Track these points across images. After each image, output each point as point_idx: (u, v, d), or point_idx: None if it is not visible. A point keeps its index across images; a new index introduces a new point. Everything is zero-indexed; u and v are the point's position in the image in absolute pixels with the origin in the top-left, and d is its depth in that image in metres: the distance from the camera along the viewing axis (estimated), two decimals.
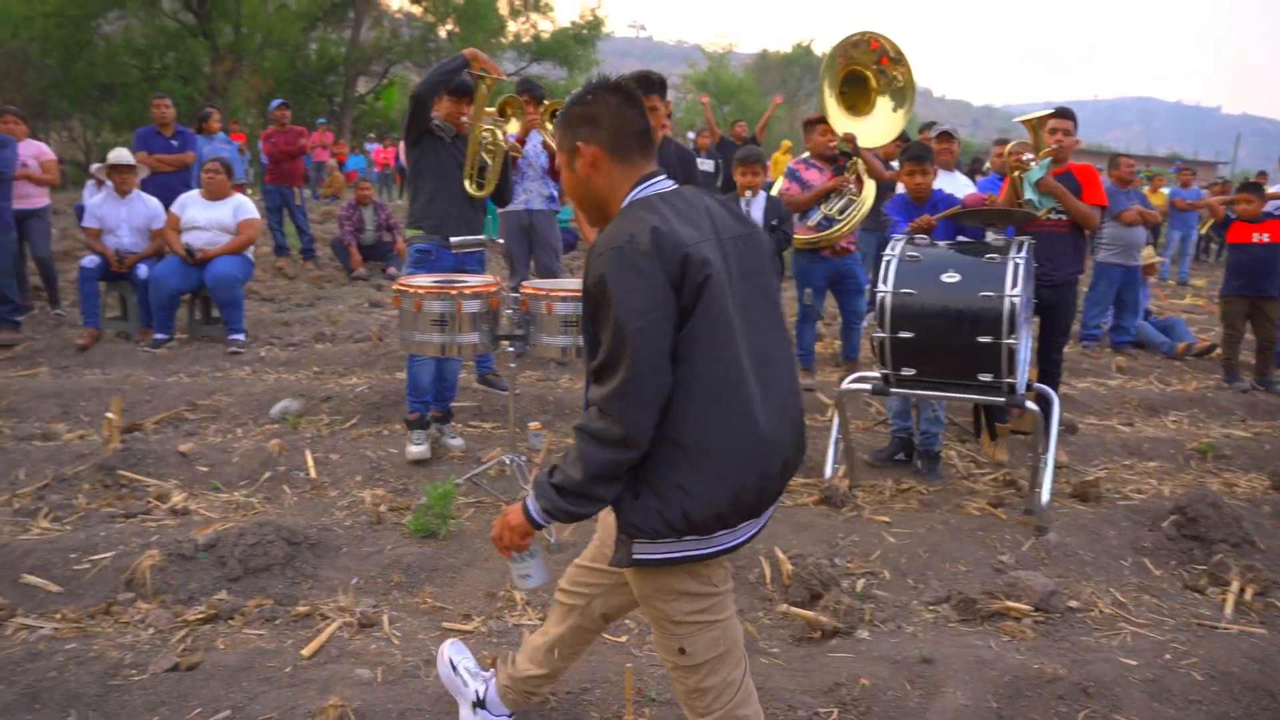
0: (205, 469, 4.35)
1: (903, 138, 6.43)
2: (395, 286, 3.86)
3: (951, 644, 3.04)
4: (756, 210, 5.26)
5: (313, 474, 4.37)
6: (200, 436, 4.86)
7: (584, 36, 30.95)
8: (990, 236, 4.04)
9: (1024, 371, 3.90)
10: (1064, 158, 4.75)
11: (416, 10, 29.43)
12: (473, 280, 3.98)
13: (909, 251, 3.92)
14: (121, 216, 6.78)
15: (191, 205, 6.75)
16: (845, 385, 4.27)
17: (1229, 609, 3.38)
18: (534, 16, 30.83)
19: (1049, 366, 4.90)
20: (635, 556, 1.84)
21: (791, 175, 5.90)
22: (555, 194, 6.06)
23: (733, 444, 1.80)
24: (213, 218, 6.69)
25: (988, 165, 10.80)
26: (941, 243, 4.08)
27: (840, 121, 5.74)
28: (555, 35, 30.77)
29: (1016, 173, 4.52)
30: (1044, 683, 2.75)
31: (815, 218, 5.72)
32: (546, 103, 5.74)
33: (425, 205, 4.61)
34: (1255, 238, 6.64)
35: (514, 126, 5.20)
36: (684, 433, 1.77)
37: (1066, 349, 5.30)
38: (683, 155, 4.75)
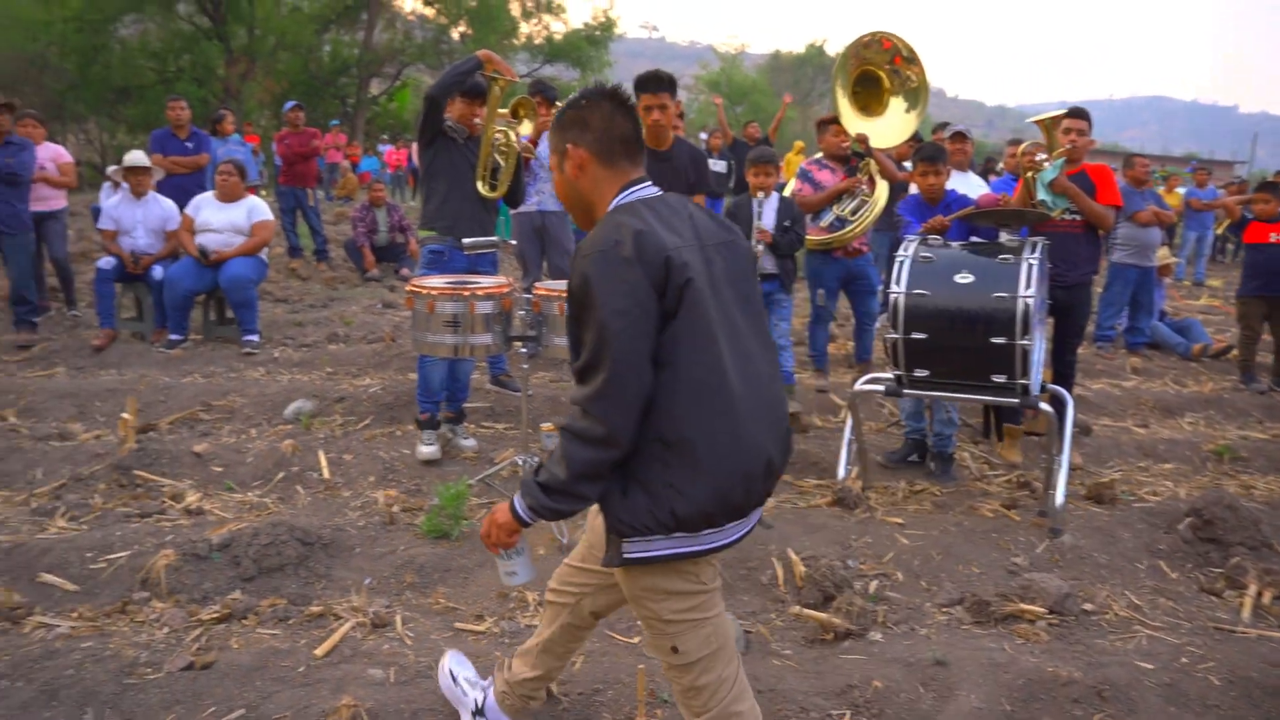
0: (219, 469, 4.38)
1: (916, 138, 6.41)
2: (408, 288, 3.87)
3: (965, 646, 3.03)
4: (769, 211, 5.25)
5: (326, 474, 4.39)
6: (214, 437, 4.89)
7: (596, 38, 30.96)
8: (1004, 237, 4.02)
9: (1038, 373, 3.88)
10: (1078, 158, 4.72)
11: (429, 12, 29.53)
12: (485, 281, 3.98)
13: (922, 252, 3.91)
14: (137, 218, 6.83)
15: (205, 207, 6.79)
16: (858, 386, 4.25)
17: (1247, 613, 3.35)
18: (546, 18, 30.91)
19: (1063, 368, 4.88)
20: (626, 555, 1.87)
21: (804, 176, 5.89)
22: None
23: (717, 444, 1.82)
24: (227, 220, 6.72)
25: (1001, 165, 10.76)
26: (955, 243, 4.07)
27: (853, 122, 5.72)
28: (567, 37, 30.81)
29: (1030, 173, 4.50)
30: (1058, 686, 2.74)
31: (828, 219, 5.71)
32: (559, 104, 5.75)
33: (438, 206, 4.62)
34: (1273, 238, 6.59)
35: (526, 128, 5.20)
36: (671, 432, 1.81)
37: (1081, 350, 5.27)
38: (695, 156, 4.75)
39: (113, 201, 7.04)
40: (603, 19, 31.14)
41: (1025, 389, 3.75)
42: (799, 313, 7.22)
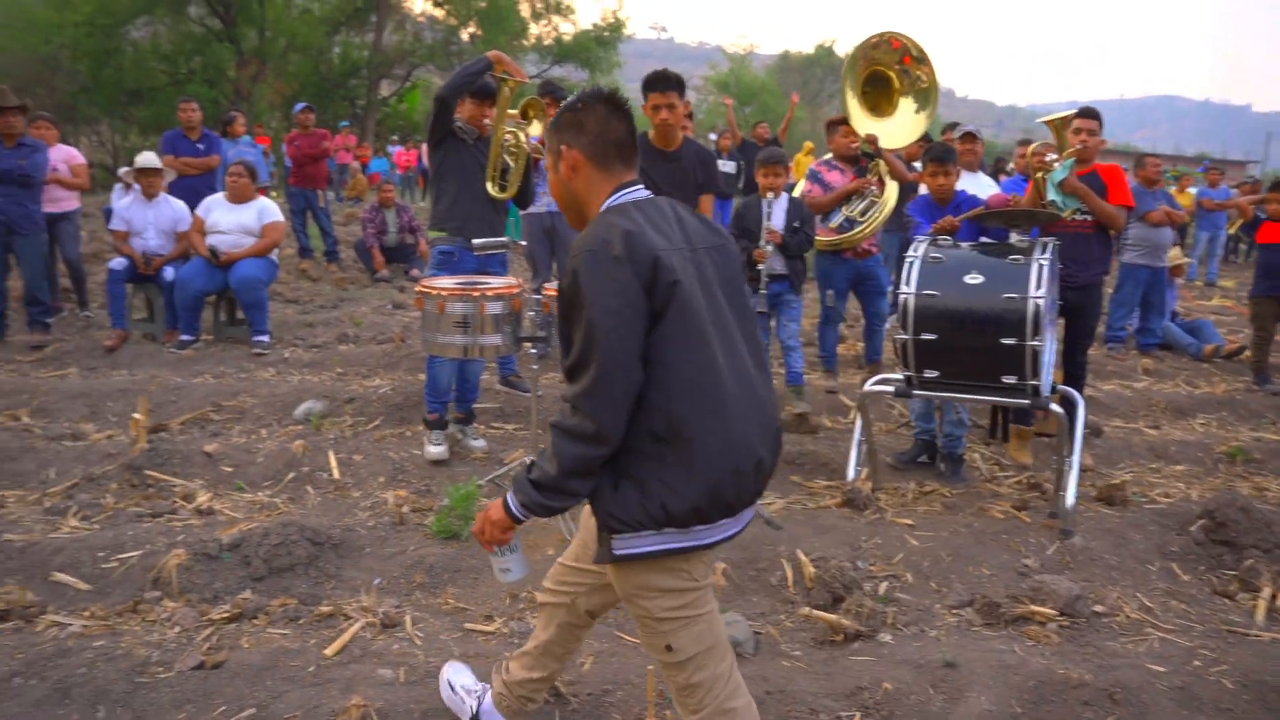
0: (230, 469, 4.39)
1: (925, 139, 6.39)
2: (418, 288, 3.87)
3: (975, 648, 3.02)
4: (779, 211, 5.24)
5: (336, 475, 4.40)
6: (225, 437, 4.91)
7: (605, 39, 30.95)
8: (1014, 238, 4.00)
9: (1048, 374, 3.87)
10: (1089, 158, 4.71)
11: (439, 13, 29.56)
12: (495, 282, 3.99)
13: (932, 253, 3.90)
14: (148, 219, 6.87)
15: (216, 208, 6.82)
16: (868, 387, 4.25)
17: (1260, 615, 3.33)
18: (555, 19, 30.91)
19: (1074, 369, 4.86)
20: (616, 552, 1.89)
21: (813, 177, 5.88)
22: None
23: (709, 442, 1.85)
24: (237, 221, 6.75)
25: (1011, 166, 10.72)
26: (965, 244, 4.05)
27: (862, 123, 5.71)
28: (577, 37, 30.81)
29: (1040, 174, 4.48)
30: (1069, 688, 2.73)
31: (837, 219, 5.70)
32: None
33: (448, 207, 4.63)
34: None
35: (536, 128, 5.21)
36: (664, 429, 1.84)
37: (1092, 351, 5.25)
38: (703, 156, 4.75)
39: (124, 203, 7.08)
40: (612, 20, 31.11)
41: (1036, 390, 3.73)
42: (808, 313, 7.22)
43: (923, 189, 5.01)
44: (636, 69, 5.09)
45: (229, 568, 3.36)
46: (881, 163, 5.76)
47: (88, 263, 8.55)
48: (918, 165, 5.92)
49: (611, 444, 1.82)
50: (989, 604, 3.29)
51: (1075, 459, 3.95)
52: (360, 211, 12.55)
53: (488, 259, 4.59)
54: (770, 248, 5.15)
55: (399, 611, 3.19)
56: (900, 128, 5.76)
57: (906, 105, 5.72)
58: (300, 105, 10.93)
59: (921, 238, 4.05)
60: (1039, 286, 3.65)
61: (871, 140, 5.67)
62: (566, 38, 30.85)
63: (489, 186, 4.61)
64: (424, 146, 5.71)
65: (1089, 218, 4.67)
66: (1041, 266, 3.70)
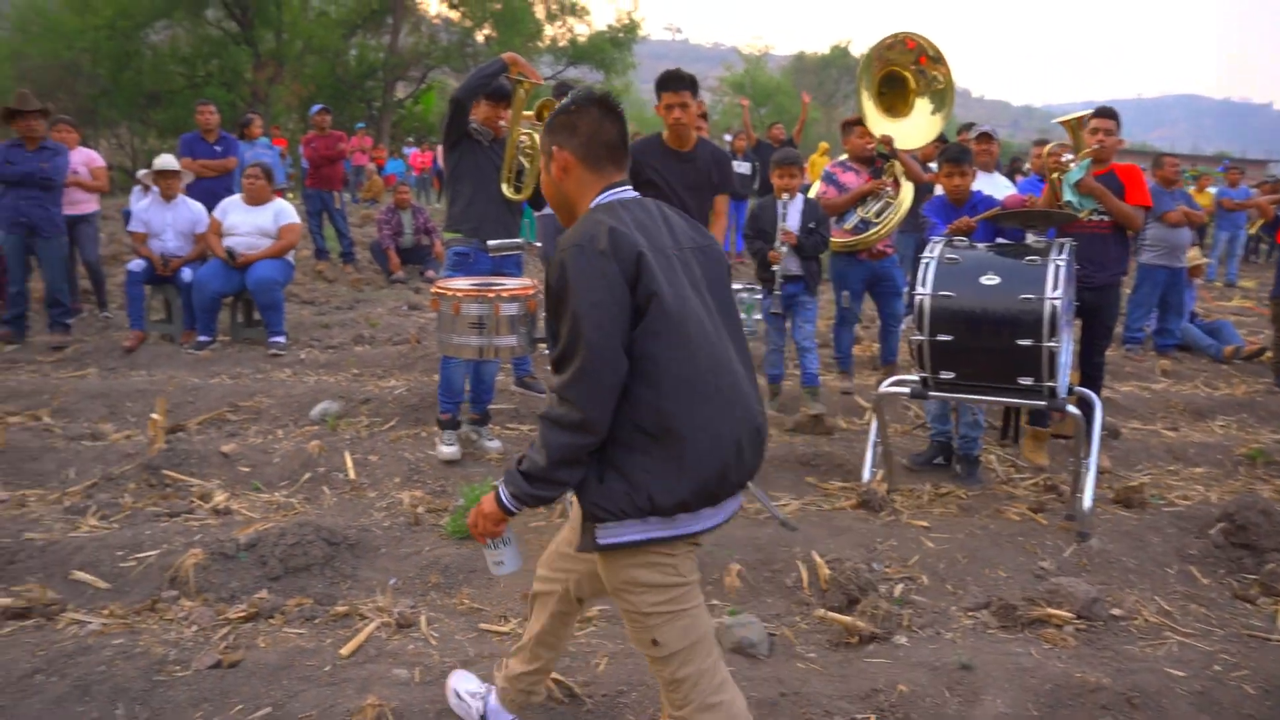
0: (247, 469, 4.42)
1: (941, 139, 6.37)
2: (433, 289, 3.88)
3: (991, 651, 3.00)
4: (794, 212, 5.23)
5: (352, 475, 4.42)
6: (242, 437, 4.94)
7: (620, 40, 30.97)
8: (1030, 238, 3.98)
9: (1065, 375, 3.84)
10: (1106, 158, 4.67)
11: (454, 15, 29.67)
12: (510, 283, 3.99)
13: (948, 254, 3.88)
14: (166, 221, 6.92)
15: (233, 210, 6.86)
16: (883, 388, 4.23)
17: None
18: (570, 20, 30.96)
19: (1091, 370, 4.82)
20: (600, 541, 1.93)
21: (828, 179, 5.87)
22: None
23: (694, 435, 1.89)
24: (253, 223, 6.79)
25: (1027, 166, 10.66)
26: (981, 245, 4.03)
27: (878, 124, 5.69)
28: (592, 39, 30.84)
29: (1055, 174, 4.45)
30: (1086, 692, 2.71)
31: (852, 220, 5.68)
32: None
33: (463, 209, 4.64)
34: None
35: None
36: (650, 422, 1.88)
37: (1109, 352, 5.21)
38: (718, 156, 4.74)
39: (143, 205, 7.15)
40: (626, 21, 31.15)
41: (1052, 391, 3.71)
42: (824, 315, 7.20)
43: (938, 190, 4.99)
44: (651, 70, 5.09)
45: (245, 567, 3.38)
46: (897, 164, 5.74)
47: (107, 264, 8.63)
48: (933, 166, 5.91)
49: (598, 433, 1.86)
50: (1005, 606, 3.27)
51: (1092, 461, 3.92)
52: (376, 213, 12.60)
53: (503, 260, 4.60)
54: (785, 249, 5.14)
55: (414, 612, 3.20)
56: (916, 128, 5.74)
57: (922, 106, 5.70)
58: (316, 107, 10.99)
59: (937, 239, 4.04)
60: (1056, 287, 3.63)
61: (887, 141, 5.65)
62: (581, 39, 30.90)
63: (504, 188, 4.62)
64: (439, 148, 5.73)
65: (1106, 218, 4.63)
66: (1058, 267, 3.68)
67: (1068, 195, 4.45)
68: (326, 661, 2.85)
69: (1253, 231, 13.71)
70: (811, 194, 5.76)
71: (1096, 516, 3.99)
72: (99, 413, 5.27)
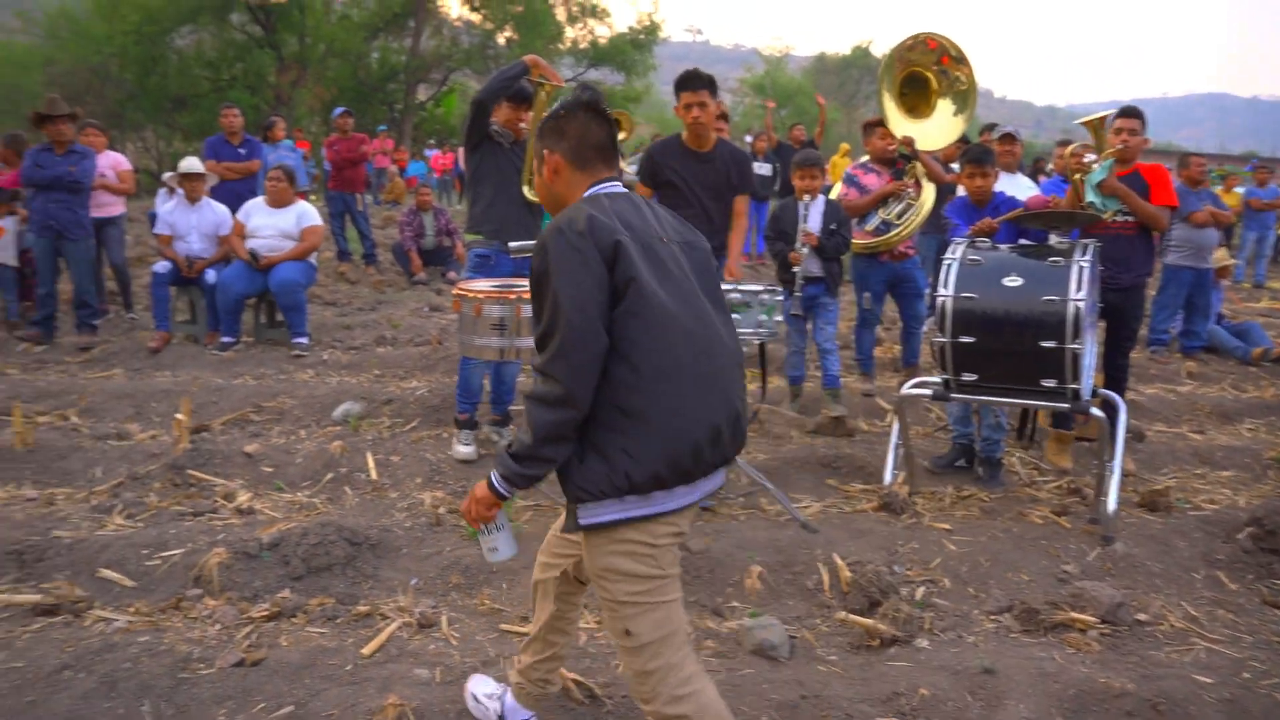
0: (270, 469, 4.46)
1: (963, 140, 6.33)
2: (455, 291, 3.91)
3: (1013, 655, 2.98)
4: (815, 214, 5.22)
5: (374, 475, 4.45)
6: (265, 438, 4.98)
7: (641, 42, 31.00)
8: (1054, 239, 3.95)
9: (1089, 377, 3.80)
10: (1130, 158, 4.62)
11: (475, 18, 29.81)
12: None
13: (970, 255, 3.86)
14: (191, 223, 6.99)
15: (256, 213, 6.92)
16: (905, 390, 4.21)
17: None
18: (591, 22, 31.03)
19: (1115, 372, 4.78)
20: (582, 521, 1.99)
21: (850, 180, 5.85)
22: None
23: (668, 414, 1.95)
24: (276, 225, 6.85)
25: (1050, 167, 10.57)
26: (1003, 246, 4.01)
27: (899, 124, 5.67)
28: (612, 41, 30.89)
29: (1077, 175, 4.41)
30: (1111, 698, 2.68)
31: (874, 222, 5.66)
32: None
33: (484, 210, 4.66)
34: None
35: None
36: (627, 403, 1.94)
37: (1134, 354, 5.16)
38: (737, 157, 4.73)
39: (168, 207, 7.23)
40: (647, 23, 31.18)
41: (1076, 394, 3.68)
42: (845, 316, 7.17)
43: (960, 191, 4.96)
44: (672, 71, 5.09)
45: (268, 567, 3.41)
46: (918, 165, 5.71)
47: (133, 266, 8.73)
48: (955, 167, 5.87)
49: (579, 408, 1.92)
50: (1028, 610, 3.24)
51: (1117, 464, 3.88)
52: (398, 215, 12.68)
53: (524, 262, 4.61)
54: (806, 250, 5.13)
55: (435, 612, 3.22)
56: (938, 129, 5.71)
57: (944, 106, 5.66)
58: (339, 110, 11.07)
59: (959, 240, 4.01)
60: (1079, 289, 3.60)
61: (908, 142, 5.63)
62: (602, 41, 30.95)
63: (525, 190, 4.64)
64: (461, 150, 5.76)
65: (1130, 219, 4.59)
66: (1082, 268, 3.64)
67: (1090, 196, 4.41)
68: (348, 661, 2.87)
69: None
70: (833, 195, 5.75)
71: (1121, 520, 3.96)
72: (125, 413, 5.33)
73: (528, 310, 3.78)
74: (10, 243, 7.15)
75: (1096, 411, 3.72)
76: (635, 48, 30.88)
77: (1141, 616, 3.25)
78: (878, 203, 5.66)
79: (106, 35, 23.44)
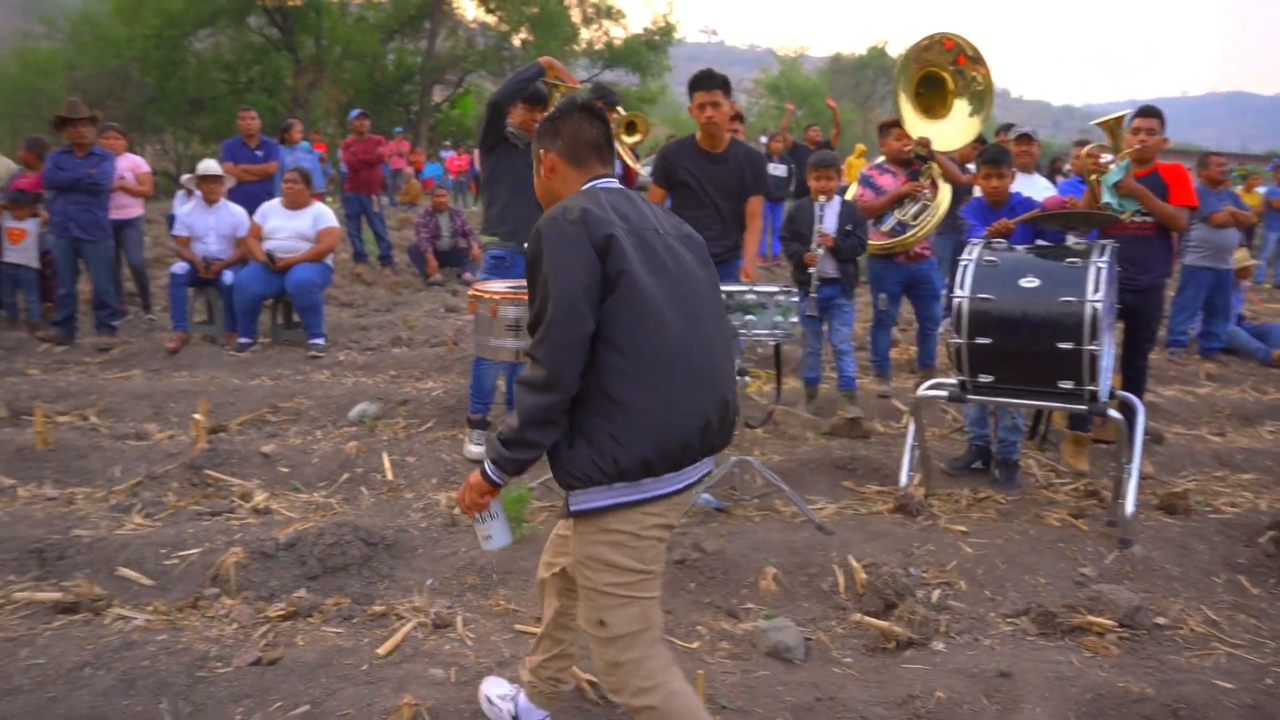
0: (286, 470, 4.48)
1: (979, 140, 6.30)
2: (470, 292, 3.92)
3: (1030, 658, 2.96)
4: (831, 215, 5.20)
5: (389, 476, 4.46)
6: (281, 438, 5.01)
7: (656, 43, 31.00)
8: (1071, 240, 3.92)
9: (1106, 379, 3.78)
10: (1149, 158, 4.58)
11: (491, 20, 29.89)
12: None
13: (986, 256, 3.84)
14: (209, 225, 7.04)
15: (273, 215, 6.96)
16: (921, 392, 4.19)
17: None
18: (606, 24, 31.04)
19: (1133, 373, 4.74)
20: (573, 507, 2.04)
21: (865, 181, 5.83)
22: None
23: (660, 402, 1.99)
24: (293, 227, 6.89)
25: (1068, 167, 10.49)
26: (1020, 247, 3.98)
27: (916, 125, 5.64)
28: (627, 42, 30.90)
29: (1094, 176, 4.38)
30: (1129, 702, 2.66)
31: (890, 223, 5.64)
32: (621, 112, 5.77)
33: (500, 212, 4.67)
34: None
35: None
36: (616, 390, 1.98)
37: (1152, 356, 5.11)
38: (752, 158, 4.73)
39: (186, 209, 7.28)
40: (662, 24, 31.18)
41: (1094, 395, 3.65)
42: (861, 318, 7.15)
43: (977, 191, 4.94)
44: (687, 72, 5.09)
45: (285, 566, 3.43)
46: (934, 165, 5.69)
47: (151, 267, 8.80)
48: (971, 167, 5.84)
49: (564, 390, 1.96)
50: (1045, 613, 3.22)
51: (1135, 466, 3.85)
52: (414, 216, 12.74)
53: None
54: (822, 251, 5.11)
55: (451, 612, 3.22)
56: (954, 130, 5.68)
57: (961, 107, 5.64)
58: (355, 112, 11.12)
59: (976, 240, 3.99)
60: (1097, 290, 3.57)
61: (924, 143, 5.60)
62: (617, 42, 30.96)
63: None
64: (476, 152, 5.78)
65: (1149, 219, 4.55)
66: (1099, 269, 3.62)
67: (1107, 197, 4.38)
68: (364, 660, 2.89)
69: None
70: (849, 196, 5.73)
71: (1139, 523, 3.92)
72: (144, 413, 5.38)
73: None
74: (32, 244, 7.22)
75: (1114, 413, 3.70)
76: (650, 49, 30.89)
77: (1161, 620, 3.23)
78: (893, 204, 5.64)
79: (127, 39, 23.68)
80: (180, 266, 6.93)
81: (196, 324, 7.18)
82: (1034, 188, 5.91)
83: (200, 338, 7.09)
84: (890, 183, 5.73)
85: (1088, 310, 3.55)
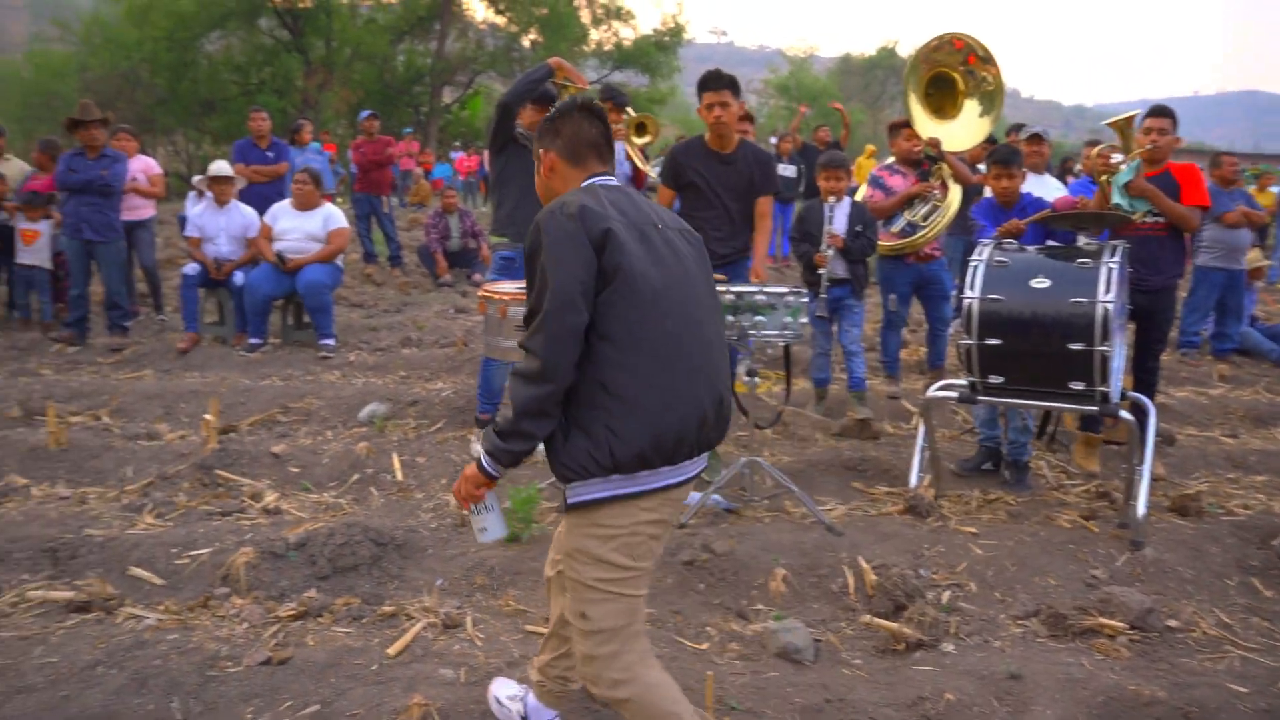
0: (296, 470, 4.50)
1: (990, 140, 6.28)
2: (480, 293, 3.92)
3: (1041, 660, 2.95)
4: (840, 215, 5.19)
5: (399, 476, 4.48)
6: (292, 438, 5.03)
7: (665, 43, 31.00)
8: (1082, 241, 3.90)
9: (1118, 380, 3.76)
10: (1161, 158, 4.56)
11: (500, 21, 29.95)
12: None
13: (997, 256, 3.82)
14: (220, 226, 7.07)
15: (283, 216, 6.99)
16: (931, 393, 4.18)
17: None
18: (616, 25, 31.06)
19: (1145, 375, 4.71)
20: (569, 500, 2.06)
21: (875, 182, 5.82)
22: None
23: (656, 395, 2.00)
24: (303, 228, 6.91)
25: (1078, 167, 10.46)
26: (1030, 248, 3.97)
27: (926, 125, 5.63)
28: (637, 43, 30.91)
29: (1104, 176, 4.36)
30: (1141, 705, 2.65)
31: (899, 224, 5.63)
32: (631, 114, 5.77)
33: (509, 213, 4.68)
34: None
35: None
36: (613, 383, 1.99)
37: (1164, 357, 5.09)
38: (761, 158, 4.72)
39: (197, 210, 7.32)
40: (672, 25, 31.19)
41: (1105, 396, 3.64)
42: (871, 318, 7.13)
43: (987, 192, 4.92)
44: (696, 73, 5.08)
45: (295, 566, 3.44)
46: (945, 166, 5.67)
47: (163, 268, 8.84)
48: (982, 168, 5.82)
49: (557, 381, 1.97)
50: (1055, 615, 3.21)
51: (1146, 468, 3.83)
52: (424, 217, 12.77)
53: None
54: (832, 252, 5.10)
55: (460, 612, 3.23)
56: (964, 130, 5.67)
57: (971, 107, 5.62)
58: (365, 113, 11.16)
59: (986, 241, 3.98)
60: (1108, 290, 3.56)
61: (934, 143, 5.59)
62: (627, 43, 30.98)
63: None
64: (486, 153, 5.81)
65: (1161, 219, 4.52)
66: (1110, 270, 3.60)
67: (1117, 197, 4.36)
68: (373, 660, 2.89)
69: None
70: (858, 197, 5.72)
71: (1151, 525, 3.90)
72: (155, 413, 5.41)
73: None
74: (45, 246, 7.27)
75: (1125, 415, 3.68)
76: (660, 50, 30.89)
77: (1172, 623, 3.21)
78: (903, 204, 5.64)
79: (138, 42, 23.83)
80: (191, 267, 6.96)
81: (208, 325, 7.21)
82: (1045, 188, 5.88)
83: (211, 338, 7.12)
84: (900, 183, 5.71)
85: (1099, 311, 3.53)
